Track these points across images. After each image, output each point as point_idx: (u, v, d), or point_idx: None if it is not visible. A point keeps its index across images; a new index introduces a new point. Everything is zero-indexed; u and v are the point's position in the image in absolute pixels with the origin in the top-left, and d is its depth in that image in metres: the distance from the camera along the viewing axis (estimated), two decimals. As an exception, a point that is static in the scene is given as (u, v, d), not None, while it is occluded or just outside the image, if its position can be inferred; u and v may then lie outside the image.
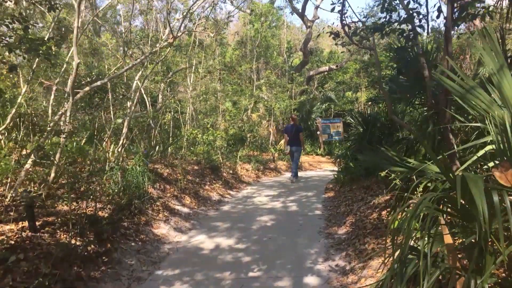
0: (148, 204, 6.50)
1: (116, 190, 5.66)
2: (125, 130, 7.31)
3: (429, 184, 3.70)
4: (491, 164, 3.13)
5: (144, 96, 10.76)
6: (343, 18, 6.12)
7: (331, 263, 4.54)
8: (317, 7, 19.93)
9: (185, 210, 7.34)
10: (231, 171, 11.59)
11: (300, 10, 19.96)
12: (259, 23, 19.01)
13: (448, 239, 2.62)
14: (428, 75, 7.67)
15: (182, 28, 7.35)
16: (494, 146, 2.88)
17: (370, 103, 16.61)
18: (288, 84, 17.83)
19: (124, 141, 7.10)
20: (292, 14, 26.02)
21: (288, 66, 20.49)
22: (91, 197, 5.00)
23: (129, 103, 7.68)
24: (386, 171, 5.32)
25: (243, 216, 7.23)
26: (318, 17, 20.82)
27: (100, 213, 5.19)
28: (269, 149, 16.38)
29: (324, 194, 9.11)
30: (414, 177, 5.14)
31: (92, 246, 4.56)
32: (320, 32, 7.11)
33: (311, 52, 23.99)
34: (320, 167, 16.49)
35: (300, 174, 13.86)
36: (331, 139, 20.94)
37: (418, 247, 2.74)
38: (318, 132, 20.67)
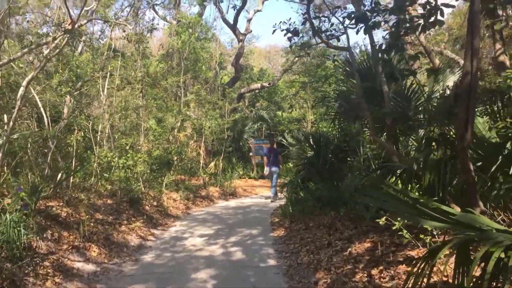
0: (30, 266, 4.37)
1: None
2: None
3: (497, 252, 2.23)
4: None
5: (42, 109, 8.43)
6: (309, 9, 4.65)
7: None
8: (249, 20, 18.76)
9: (90, 267, 5.25)
10: (155, 203, 9.53)
11: (231, 23, 18.63)
12: (186, 34, 17.25)
13: None
14: (386, 90, 6.53)
15: (88, 14, 5.40)
16: None
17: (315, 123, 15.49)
18: (220, 100, 16.19)
19: (-3, 172, 4.89)
20: (221, 29, 24.64)
21: (219, 81, 18.91)
22: None
23: (5, 117, 5.46)
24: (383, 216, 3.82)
25: (172, 272, 5.32)
26: (251, 31, 19.66)
27: None
28: (199, 173, 14.49)
29: (271, 231, 7.47)
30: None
31: None
32: (275, 28, 5.58)
33: (242, 68, 22.71)
34: (256, 193, 14.96)
35: (235, 202, 12.24)
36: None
37: None
38: (251, 154, 19.23)
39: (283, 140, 22.21)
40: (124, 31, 9.78)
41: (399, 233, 3.83)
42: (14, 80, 8.52)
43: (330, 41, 5.59)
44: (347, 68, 8.13)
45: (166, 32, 20.75)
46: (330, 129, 10.31)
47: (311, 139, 8.39)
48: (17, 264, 4.14)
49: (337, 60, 6.63)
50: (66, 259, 5.06)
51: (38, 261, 4.56)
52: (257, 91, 23.14)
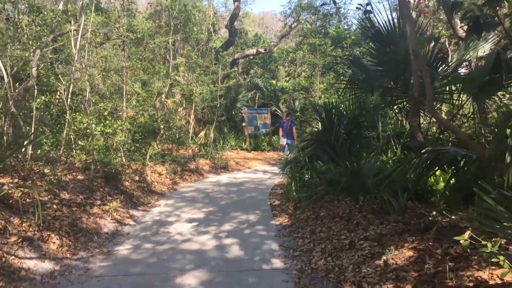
0: (-47, 272, 3.18)
1: None
2: None
3: None
4: None
5: (1, 65, 7.05)
6: None
7: None
8: (246, -22, 17.03)
9: (46, 265, 4.09)
10: (137, 178, 8.34)
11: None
12: (177, -10, 15.59)
13: None
14: (417, 54, 5.31)
15: None
16: None
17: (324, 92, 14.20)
18: (213, 65, 14.75)
19: None
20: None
21: (212, 44, 17.40)
22: None
23: None
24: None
25: (152, 273, 4.19)
26: (248, -10, 17.95)
27: None
28: (187, 143, 13.27)
29: (273, 218, 6.36)
30: None
31: None
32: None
33: (236, 32, 21.09)
34: (249, 166, 13.83)
35: (227, 177, 11.12)
36: (258, 131, 18.42)
37: None
38: (244, 124, 17.98)
39: (278, 110, 21.04)
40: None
41: (493, 260, 2.64)
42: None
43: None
44: (368, 24, 6.85)
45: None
46: (338, 100, 9.07)
47: (322, 112, 7.15)
48: None
49: (370, 11, 5.32)
50: (13, 256, 3.87)
51: (-32, 264, 3.37)
52: (251, 57, 21.67)
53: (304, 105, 19.27)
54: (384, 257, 3.64)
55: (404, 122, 7.39)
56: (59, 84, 8.77)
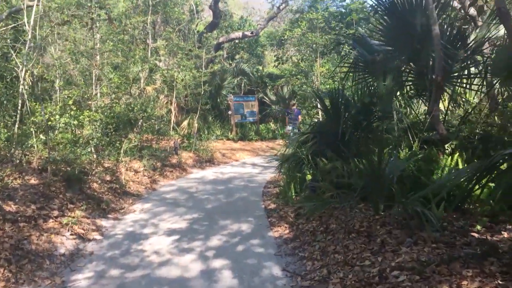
0: None
1: None
2: None
3: None
4: None
5: None
6: None
7: None
8: (232, -46, 15.68)
9: (-34, 316, 2.96)
10: (108, 177, 7.17)
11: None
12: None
13: None
14: (505, 13, 4.29)
15: None
16: None
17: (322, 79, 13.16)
18: (197, 49, 13.48)
19: None
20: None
21: (195, 26, 16.09)
22: None
23: None
24: None
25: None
26: (233, -33, 16.61)
27: None
28: (169, 134, 12.08)
29: (270, 227, 5.28)
30: None
31: None
32: None
33: (221, 14, 19.73)
34: (236, 158, 12.74)
35: (213, 172, 10.03)
36: (245, 120, 17.30)
37: None
38: (230, 112, 16.82)
39: (265, 98, 19.90)
40: None
41: None
42: None
43: None
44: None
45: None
46: (336, 86, 7.99)
47: (327, 101, 6.02)
48: None
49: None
50: None
51: None
52: (237, 41, 20.42)
53: (292, 92, 18.12)
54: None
55: (414, 111, 6.39)
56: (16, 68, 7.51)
